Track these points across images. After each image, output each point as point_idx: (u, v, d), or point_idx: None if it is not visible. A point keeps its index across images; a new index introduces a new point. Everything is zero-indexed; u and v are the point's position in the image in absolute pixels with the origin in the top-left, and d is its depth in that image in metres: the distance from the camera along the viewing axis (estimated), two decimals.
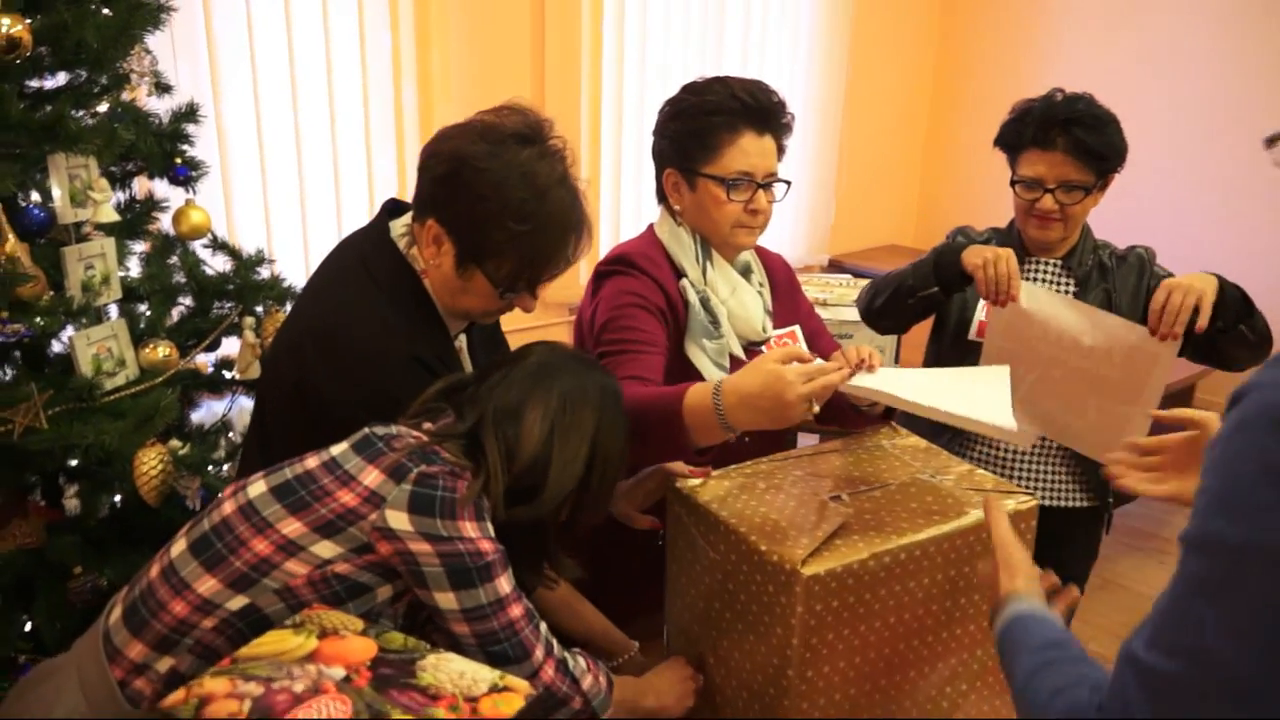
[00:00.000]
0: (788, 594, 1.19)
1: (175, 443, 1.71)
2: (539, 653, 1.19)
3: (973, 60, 4.72)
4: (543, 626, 1.21)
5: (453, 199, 1.31)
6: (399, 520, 1.12)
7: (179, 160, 1.80)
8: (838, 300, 2.82)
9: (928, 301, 1.87)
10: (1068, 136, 1.80)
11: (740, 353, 1.65)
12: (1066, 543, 1.96)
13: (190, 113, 1.83)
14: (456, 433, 1.22)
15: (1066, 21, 4.35)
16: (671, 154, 1.63)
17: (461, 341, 1.50)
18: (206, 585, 1.15)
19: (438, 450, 1.19)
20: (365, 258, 1.40)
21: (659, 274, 1.61)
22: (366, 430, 1.22)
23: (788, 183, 1.67)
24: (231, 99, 2.69)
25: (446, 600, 1.13)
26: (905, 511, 1.29)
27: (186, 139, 1.81)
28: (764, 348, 1.69)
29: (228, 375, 1.96)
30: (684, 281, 1.62)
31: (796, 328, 1.78)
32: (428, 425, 1.25)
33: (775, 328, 1.74)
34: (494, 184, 1.28)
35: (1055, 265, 1.95)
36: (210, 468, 1.84)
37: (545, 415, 1.22)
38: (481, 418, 1.23)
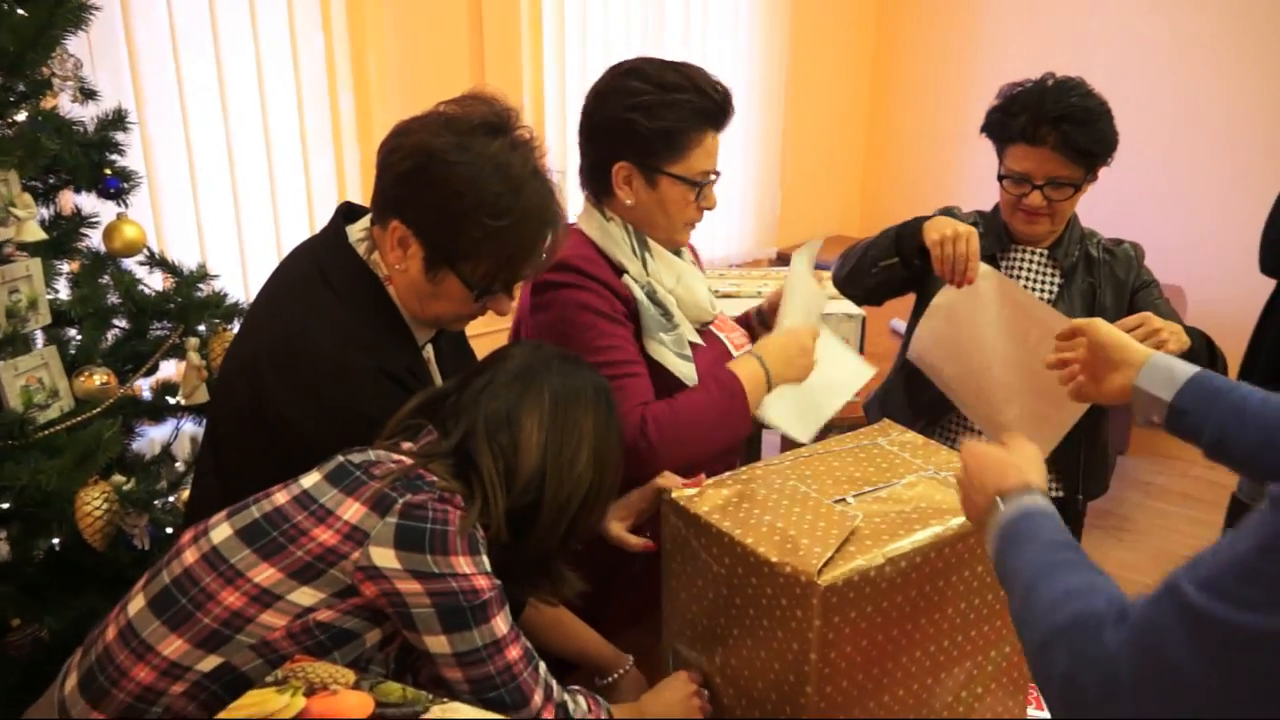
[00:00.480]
0: (804, 607, 1.13)
1: (119, 478, 1.58)
2: (537, 698, 1.09)
3: (910, 49, 4.73)
4: (542, 668, 1.11)
5: (420, 197, 1.21)
6: (385, 558, 1.02)
7: (108, 171, 1.67)
8: None
9: (890, 273, 1.80)
10: (1058, 133, 1.72)
11: (697, 338, 1.60)
12: None
13: (118, 120, 1.70)
14: (442, 450, 1.13)
15: (1003, 7, 4.39)
16: (629, 148, 1.51)
17: (429, 352, 1.41)
18: (172, 647, 1.03)
19: (423, 474, 1.08)
20: (321, 266, 1.30)
21: (604, 275, 1.52)
22: (341, 458, 1.11)
23: (719, 174, 1.61)
24: (156, 106, 2.53)
25: (438, 644, 1.04)
26: (916, 511, 1.23)
27: (116, 148, 1.68)
28: (713, 326, 1.67)
29: (171, 401, 1.83)
30: (625, 278, 1.55)
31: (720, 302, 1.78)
32: (407, 445, 1.15)
33: None
34: (466, 179, 1.19)
35: (1040, 256, 1.90)
36: (156, 502, 1.71)
37: (541, 420, 1.14)
38: (471, 430, 1.13)
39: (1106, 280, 1.87)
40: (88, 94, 1.67)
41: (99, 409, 1.59)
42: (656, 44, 3.81)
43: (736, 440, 1.56)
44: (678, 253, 1.64)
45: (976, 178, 4.83)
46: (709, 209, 1.60)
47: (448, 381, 1.27)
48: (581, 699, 1.16)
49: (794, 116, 4.41)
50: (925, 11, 4.66)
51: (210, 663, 1.03)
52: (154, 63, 2.52)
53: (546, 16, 3.43)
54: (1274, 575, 0.70)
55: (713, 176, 1.56)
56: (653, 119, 1.49)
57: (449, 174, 1.19)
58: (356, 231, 1.32)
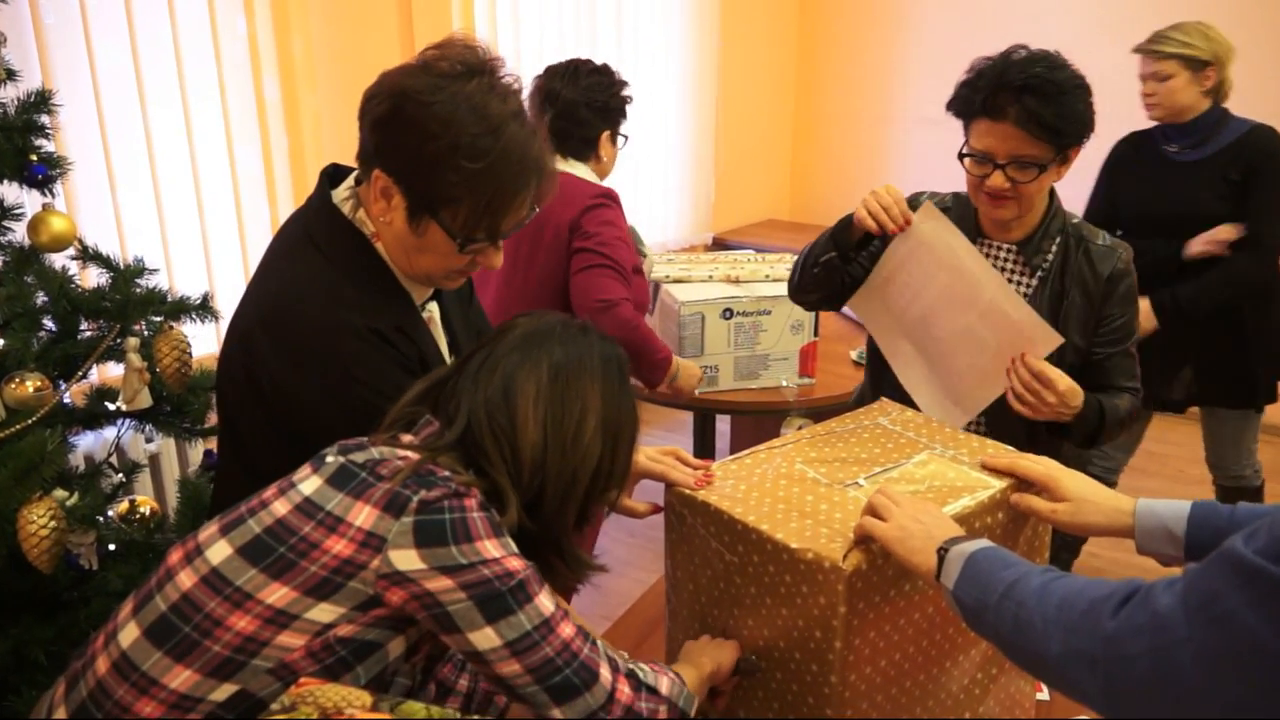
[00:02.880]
0: (827, 593, 1.09)
1: (61, 493, 1.44)
2: (605, 672, 1.01)
3: (833, 37, 4.76)
4: (600, 642, 1.04)
5: (397, 142, 1.16)
6: (407, 560, 0.95)
7: (34, 158, 1.52)
8: (750, 276, 2.75)
9: (830, 269, 1.75)
10: (1019, 106, 1.56)
11: None
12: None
13: (42, 101, 1.55)
14: (447, 442, 1.05)
15: None
16: (619, 118, 2.36)
17: (433, 311, 1.35)
18: (181, 679, 0.94)
19: (434, 470, 1.00)
20: (310, 230, 1.25)
21: None
22: (342, 459, 1.02)
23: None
24: (67, 92, 2.34)
25: (485, 639, 0.96)
26: (931, 491, 1.20)
27: (42, 131, 1.53)
28: None
29: (111, 406, 1.69)
30: None
31: None
32: (407, 438, 1.07)
33: None
34: (441, 119, 1.13)
35: (1009, 252, 1.74)
36: (101, 518, 1.58)
37: (539, 393, 1.06)
38: (472, 414, 1.05)
39: (1074, 283, 1.70)
40: (9, 73, 1.52)
41: (34, 418, 1.45)
42: (590, 36, 3.74)
43: None
44: None
45: (901, 160, 4.91)
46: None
47: (449, 365, 1.20)
48: (645, 665, 1.09)
49: (726, 107, 4.40)
50: (846, 2, 4.69)
51: (225, 692, 0.94)
52: (64, 45, 2.35)
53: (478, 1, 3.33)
54: None
55: None
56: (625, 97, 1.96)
57: (424, 115, 1.14)
58: (343, 191, 1.27)
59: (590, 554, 1.28)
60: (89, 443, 2.23)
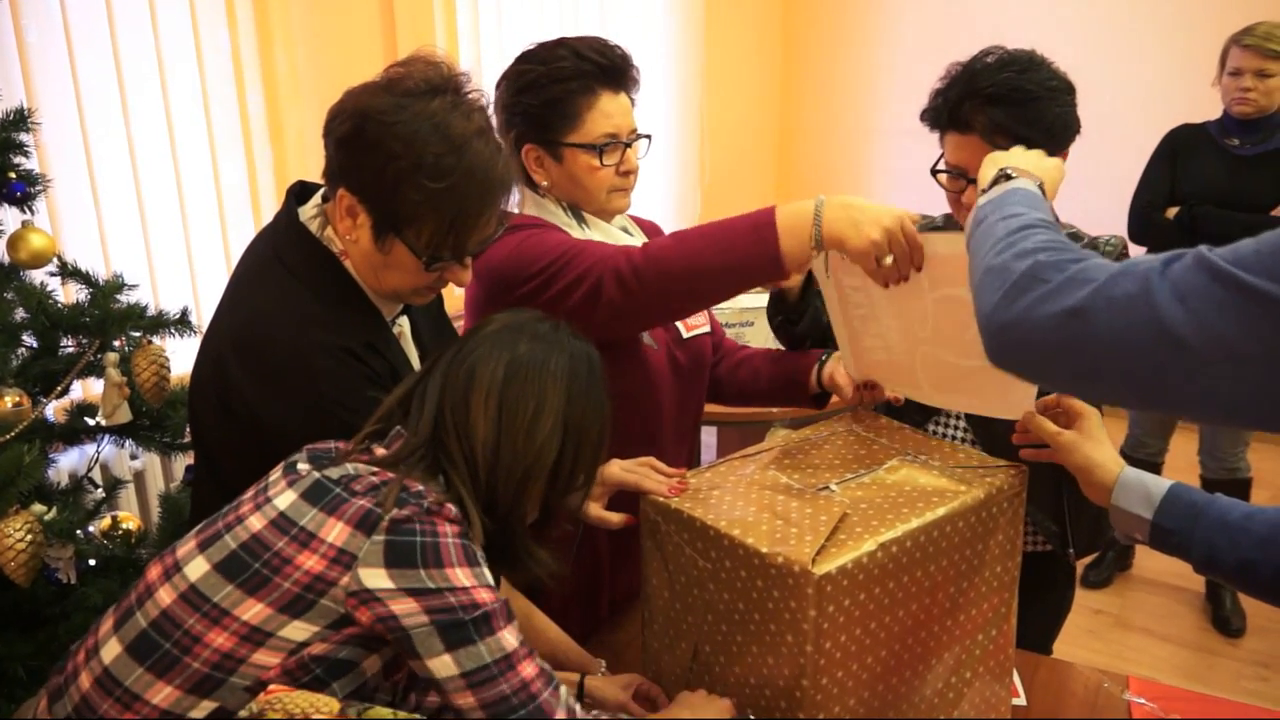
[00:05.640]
0: (798, 597, 1.10)
1: (39, 507, 1.45)
2: (561, 718, 1.01)
3: (818, 44, 4.79)
4: (562, 689, 1.03)
5: (360, 161, 1.16)
6: (376, 578, 0.95)
7: (12, 175, 1.53)
8: None
9: (786, 329, 1.69)
10: (985, 118, 1.48)
11: None
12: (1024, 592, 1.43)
13: (20, 119, 1.56)
14: (412, 449, 1.05)
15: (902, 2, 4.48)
16: (528, 128, 1.50)
17: (404, 326, 1.35)
18: (162, 695, 0.95)
19: (408, 485, 1.01)
20: (276, 248, 1.24)
21: None
22: (317, 474, 1.02)
23: (649, 137, 1.58)
24: (50, 108, 2.36)
25: (443, 666, 0.96)
26: (902, 496, 1.21)
27: (20, 149, 1.54)
28: None
29: (91, 422, 1.69)
30: None
31: None
32: (380, 451, 1.07)
33: None
34: (403, 139, 1.13)
35: None
36: (79, 532, 1.58)
37: (491, 390, 1.05)
38: (438, 414, 1.05)
39: None
40: None
41: (12, 433, 1.46)
42: (574, 29, 3.76)
43: (754, 280, 1.33)
44: (626, 233, 1.62)
45: (886, 171, 4.93)
46: (628, 172, 1.53)
47: (416, 371, 1.20)
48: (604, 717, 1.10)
49: (711, 118, 4.43)
50: (828, 10, 4.72)
51: (204, 709, 0.95)
52: (47, 61, 2.35)
53: (461, 10, 3.34)
54: None
55: (617, 137, 1.50)
56: (538, 93, 1.48)
57: (386, 135, 1.13)
58: (309, 209, 1.27)
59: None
60: (73, 459, 2.23)
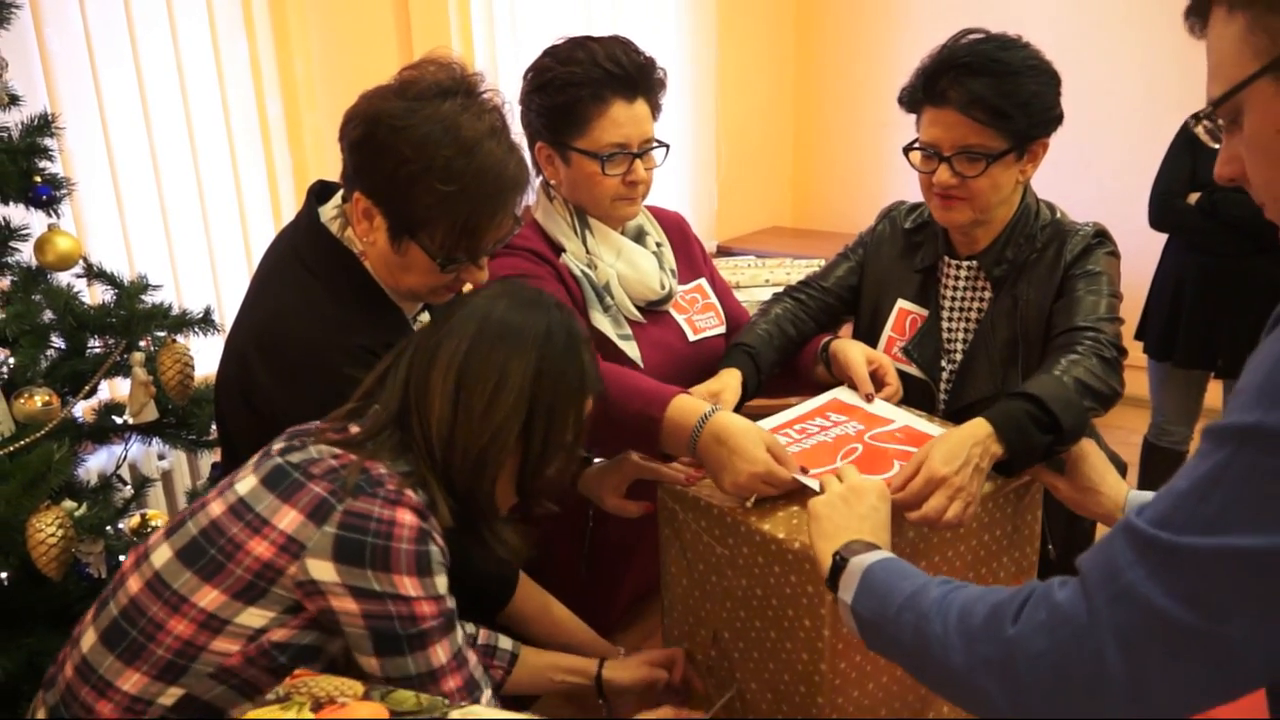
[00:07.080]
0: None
1: (70, 503, 1.48)
2: None
3: (829, 43, 4.79)
4: (484, 696, 1.03)
5: (373, 165, 1.17)
6: (323, 570, 0.95)
7: (38, 179, 1.56)
8: (750, 281, 2.77)
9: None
10: (961, 88, 1.38)
11: (637, 315, 1.55)
12: None
13: (44, 125, 1.59)
14: (380, 426, 1.03)
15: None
16: (540, 127, 1.51)
17: (425, 321, 1.35)
18: (131, 681, 0.97)
19: (367, 468, 1.00)
20: (297, 248, 1.26)
21: (541, 250, 1.51)
22: (279, 459, 1.02)
23: (666, 146, 1.57)
24: (73, 115, 2.39)
25: (369, 665, 0.98)
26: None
27: (45, 154, 1.57)
28: (669, 307, 1.61)
29: (118, 420, 1.72)
30: (564, 257, 1.52)
31: (702, 281, 1.71)
32: (355, 429, 1.06)
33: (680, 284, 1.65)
34: (414, 143, 1.13)
35: (970, 269, 1.53)
36: (109, 528, 1.61)
37: (450, 364, 1.03)
38: (404, 395, 1.04)
39: (1032, 283, 1.48)
40: (12, 98, 1.56)
41: (42, 432, 1.49)
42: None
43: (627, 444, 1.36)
44: (641, 234, 1.62)
45: (901, 163, 4.91)
46: (635, 183, 1.52)
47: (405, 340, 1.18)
48: None
49: (725, 115, 4.43)
50: (841, 6, 4.72)
51: (172, 695, 0.97)
52: (69, 70, 2.39)
53: (475, 16, 3.36)
54: (1212, 503, 0.69)
55: (625, 148, 1.48)
56: (551, 95, 1.48)
57: (397, 139, 1.14)
58: (330, 210, 1.28)
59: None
60: (102, 460, 2.27)
